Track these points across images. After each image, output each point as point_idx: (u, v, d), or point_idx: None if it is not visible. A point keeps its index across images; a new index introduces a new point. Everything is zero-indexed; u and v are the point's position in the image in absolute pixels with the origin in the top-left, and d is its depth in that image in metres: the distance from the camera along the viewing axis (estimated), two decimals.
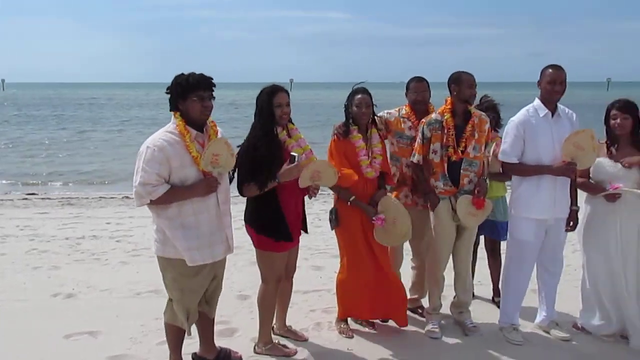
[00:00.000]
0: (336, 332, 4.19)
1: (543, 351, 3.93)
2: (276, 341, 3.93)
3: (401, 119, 4.28)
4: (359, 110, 3.93)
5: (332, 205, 4.09)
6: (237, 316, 4.47)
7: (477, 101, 4.62)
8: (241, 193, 3.60)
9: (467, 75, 3.97)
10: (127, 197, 10.74)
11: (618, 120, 3.92)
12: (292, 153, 3.51)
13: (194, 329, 3.55)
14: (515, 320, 4.19)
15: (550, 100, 3.91)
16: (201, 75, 3.14)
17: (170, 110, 3.22)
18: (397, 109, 4.35)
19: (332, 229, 4.04)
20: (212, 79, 3.19)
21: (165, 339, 3.95)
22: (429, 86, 4.27)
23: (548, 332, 4.20)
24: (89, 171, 15.29)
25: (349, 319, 4.26)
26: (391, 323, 4.27)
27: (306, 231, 3.91)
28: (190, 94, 3.11)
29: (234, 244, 3.45)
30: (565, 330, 4.19)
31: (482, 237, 4.75)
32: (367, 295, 4.03)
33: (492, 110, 4.53)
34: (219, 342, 3.85)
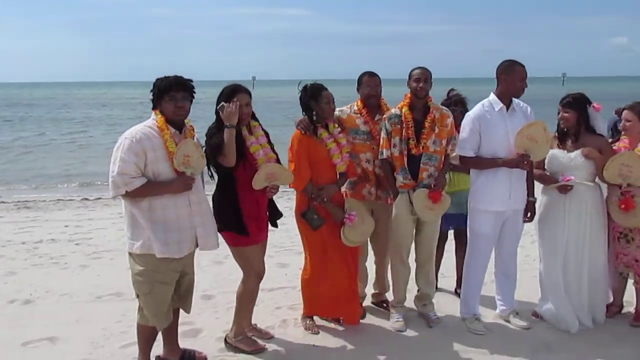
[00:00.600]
0: (302, 328, 4.20)
1: (503, 340, 4.03)
2: (250, 335, 3.94)
3: (354, 115, 4.29)
4: (328, 106, 3.94)
5: (295, 206, 4.09)
6: (201, 316, 4.43)
7: (444, 96, 4.71)
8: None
9: (416, 70, 4.04)
10: (86, 199, 10.49)
11: (560, 115, 4.08)
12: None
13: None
14: (477, 310, 4.29)
15: (518, 96, 4.02)
16: (175, 77, 3.30)
17: (152, 109, 3.37)
18: (349, 106, 4.36)
19: (314, 230, 3.97)
20: (190, 81, 3.34)
21: (128, 342, 3.90)
22: (380, 81, 4.31)
23: (508, 321, 4.30)
24: (47, 174, 14.85)
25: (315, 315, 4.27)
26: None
27: (275, 225, 3.91)
28: (164, 95, 3.28)
29: (211, 243, 3.48)
30: (525, 318, 4.29)
31: (450, 231, 4.84)
32: (331, 293, 4.05)
33: (460, 105, 4.61)
34: (183, 343, 3.81)
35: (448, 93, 4.72)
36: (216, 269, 5.64)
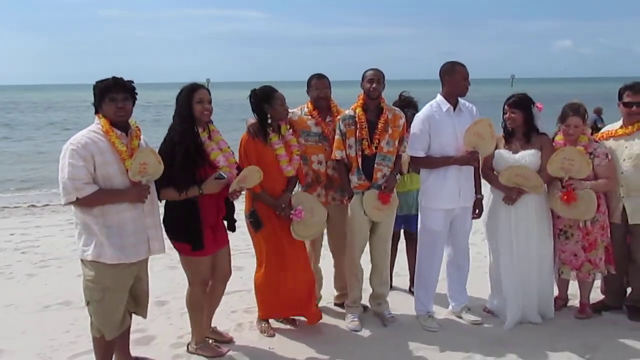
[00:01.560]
0: (257, 331, 4.17)
1: (456, 336, 4.10)
2: (210, 341, 3.90)
3: (305, 117, 4.30)
4: (282, 108, 3.93)
5: (245, 207, 4.06)
6: (154, 323, 4.34)
7: (395, 98, 4.76)
8: (158, 195, 3.51)
9: (369, 72, 4.09)
10: (33, 206, 10.13)
11: (507, 115, 4.19)
12: (221, 173, 3.53)
13: None
14: (430, 307, 4.37)
15: (462, 95, 4.12)
16: (114, 78, 3.22)
17: (95, 113, 3.29)
18: (299, 108, 4.36)
19: (256, 232, 3.99)
20: (130, 82, 3.27)
21: (77, 352, 3.78)
22: (329, 83, 4.32)
23: (461, 317, 4.39)
24: None
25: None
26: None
27: (233, 229, 3.86)
28: (104, 97, 3.21)
29: (160, 247, 3.42)
30: (477, 314, 4.40)
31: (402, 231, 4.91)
32: (284, 294, 4.04)
33: (411, 106, 4.68)
34: (136, 351, 3.73)
35: (400, 96, 4.79)
36: (170, 274, 5.53)
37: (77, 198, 3.08)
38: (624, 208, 4.24)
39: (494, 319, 4.38)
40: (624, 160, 4.20)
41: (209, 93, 3.65)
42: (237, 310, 4.60)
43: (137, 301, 3.49)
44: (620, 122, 4.36)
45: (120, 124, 3.24)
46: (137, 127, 3.36)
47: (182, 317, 4.42)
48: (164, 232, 3.52)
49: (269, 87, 3.99)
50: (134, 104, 3.31)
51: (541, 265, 4.24)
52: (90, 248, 3.18)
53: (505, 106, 4.22)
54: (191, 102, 3.53)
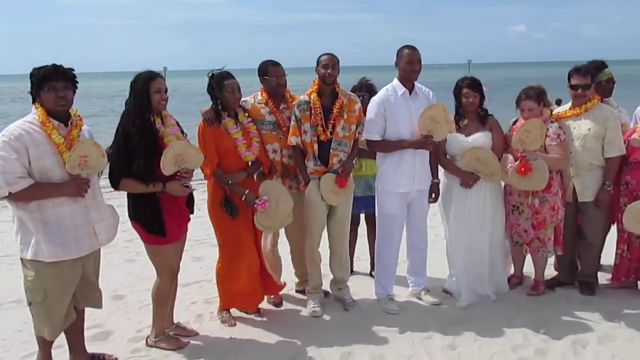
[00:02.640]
0: (218, 322, 4.13)
1: (416, 317, 4.17)
2: (171, 333, 3.84)
3: (259, 105, 4.24)
4: (231, 95, 3.86)
5: (208, 197, 4.00)
6: (111, 318, 4.24)
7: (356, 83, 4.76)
8: (116, 187, 3.44)
9: (323, 56, 4.06)
10: None
11: (467, 97, 4.23)
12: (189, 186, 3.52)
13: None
14: (391, 290, 4.42)
15: (409, 79, 4.13)
16: (54, 65, 3.07)
17: (33, 103, 3.14)
18: (252, 96, 4.29)
19: (234, 219, 3.90)
20: (70, 70, 3.11)
21: (30, 352, 3.67)
22: (284, 70, 4.26)
23: (421, 299, 4.46)
24: None
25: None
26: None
27: (192, 211, 3.80)
28: (43, 85, 3.04)
29: (110, 236, 3.34)
30: (436, 295, 4.47)
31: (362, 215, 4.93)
32: (249, 284, 4.01)
33: (368, 90, 4.67)
34: (93, 347, 3.64)
35: (359, 81, 4.80)
36: (128, 267, 5.42)
37: (9, 193, 2.94)
38: (574, 187, 4.38)
39: (452, 299, 4.46)
40: (573, 140, 4.32)
41: (165, 82, 3.59)
42: (197, 301, 4.54)
43: (85, 296, 3.35)
44: (569, 104, 4.48)
45: (60, 113, 3.10)
46: (78, 116, 3.22)
47: (140, 311, 4.35)
48: (129, 223, 3.50)
49: (224, 73, 3.92)
50: (74, 92, 3.16)
51: (494, 242, 4.35)
52: (27, 246, 3.04)
53: (465, 89, 4.24)
54: (149, 91, 3.45)
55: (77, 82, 3.17)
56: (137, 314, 4.30)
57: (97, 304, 3.46)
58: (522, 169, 4.15)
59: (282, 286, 4.37)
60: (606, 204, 4.37)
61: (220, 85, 3.85)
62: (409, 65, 4.08)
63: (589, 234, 4.47)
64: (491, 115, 4.33)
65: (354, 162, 4.28)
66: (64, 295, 3.17)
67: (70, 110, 3.16)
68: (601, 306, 4.25)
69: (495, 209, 4.34)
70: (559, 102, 4.73)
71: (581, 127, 4.32)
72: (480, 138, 4.21)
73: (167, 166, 3.39)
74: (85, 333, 3.59)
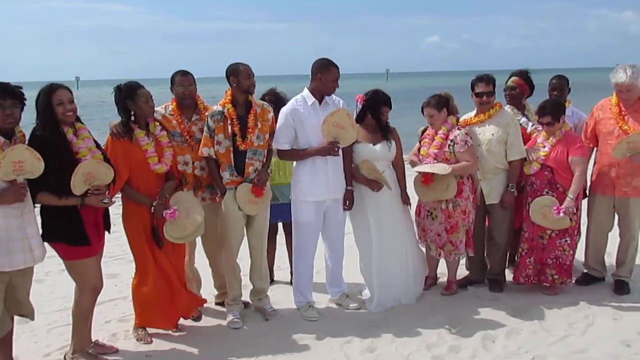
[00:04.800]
0: (134, 340, 3.99)
1: (336, 323, 4.22)
2: (90, 351, 3.71)
3: (169, 117, 4.17)
4: (146, 105, 3.77)
5: (122, 212, 3.88)
6: (17, 342, 3.90)
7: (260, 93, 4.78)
8: (33, 201, 3.32)
9: (244, 66, 4.05)
10: None
11: (383, 114, 4.36)
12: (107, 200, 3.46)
13: None
14: (310, 297, 4.45)
15: (329, 94, 4.22)
16: (1, 84, 3.14)
17: None
18: (163, 106, 4.21)
19: (160, 248, 3.86)
20: (18, 87, 3.19)
21: None
22: (194, 80, 4.22)
23: (340, 305, 4.52)
24: None
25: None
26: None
27: (109, 230, 3.72)
28: None
29: (41, 255, 3.31)
30: (355, 300, 4.55)
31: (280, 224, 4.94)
32: (166, 301, 3.91)
33: (278, 101, 4.69)
34: None
35: (269, 90, 4.82)
36: (36, 288, 5.06)
37: None
38: (481, 190, 4.62)
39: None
40: (479, 145, 4.56)
41: (70, 92, 3.47)
42: (111, 320, 4.36)
43: (22, 305, 3.37)
44: (474, 111, 4.72)
45: (6, 130, 3.13)
46: (21, 132, 3.24)
47: (49, 334, 4.13)
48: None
49: (134, 83, 3.82)
50: (22, 110, 3.18)
51: (406, 247, 4.48)
52: None
53: (385, 107, 4.36)
54: (51, 104, 3.36)
55: (25, 100, 3.19)
56: (45, 338, 4.07)
57: (31, 316, 3.48)
58: (424, 179, 4.37)
59: (204, 301, 4.28)
60: (511, 205, 4.63)
61: (133, 95, 3.75)
62: (334, 84, 4.16)
63: (496, 234, 4.73)
64: (394, 127, 4.50)
65: (269, 171, 4.29)
66: None
67: (14, 127, 3.17)
68: (509, 302, 4.49)
69: (403, 214, 4.50)
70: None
71: (486, 133, 4.57)
72: (385, 147, 4.36)
73: (77, 186, 3.33)
74: None
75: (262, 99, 4.54)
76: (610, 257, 4.86)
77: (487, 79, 4.57)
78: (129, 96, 3.75)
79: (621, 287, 4.63)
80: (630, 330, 3.97)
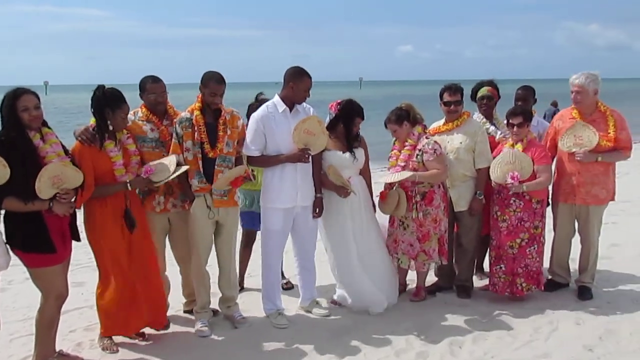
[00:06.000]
0: (99, 349, 3.92)
1: (306, 330, 4.22)
2: None
3: (140, 122, 4.12)
4: (123, 122, 3.75)
5: (84, 217, 3.80)
6: None
7: (250, 100, 4.77)
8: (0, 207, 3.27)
9: (215, 85, 3.98)
10: None
11: (356, 126, 4.43)
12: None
13: None
14: (279, 304, 4.44)
15: (299, 103, 4.23)
16: None
17: None
18: (132, 112, 4.15)
19: (131, 232, 3.78)
20: None
21: None
22: (165, 86, 4.17)
23: (310, 312, 4.52)
24: None
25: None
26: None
27: (78, 239, 3.66)
28: None
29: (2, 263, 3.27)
30: (325, 307, 4.56)
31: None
32: (130, 308, 3.84)
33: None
34: None
35: (257, 96, 4.82)
36: None
37: None
38: (450, 197, 4.68)
39: (341, 309, 4.57)
40: (447, 153, 4.62)
41: (37, 97, 3.42)
42: (77, 329, 4.27)
43: None
44: (443, 120, 4.79)
45: None
46: None
47: (11, 344, 4.03)
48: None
49: (119, 94, 3.72)
50: None
51: (376, 253, 4.52)
52: None
53: (359, 118, 4.43)
54: (15, 110, 3.31)
55: None
56: (7, 348, 3.97)
57: None
58: (380, 194, 4.51)
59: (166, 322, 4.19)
60: (479, 212, 4.71)
61: (115, 108, 3.67)
62: (305, 93, 4.19)
63: (464, 241, 4.80)
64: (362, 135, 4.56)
65: (251, 176, 4.27)
66: None
67: None
68: (476, 308, 4.56)
69: (371, 220, 4.55)
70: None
71: (454, 141, 4.65)
72: (350, 156, 4.40)
73: (43, 189, 3.27)
74: None
75: (253, 105, 4.53)
76: (575, 264, 4.97)
77: (454, 88, 4.65)
78: (110, 106, 3.67)
79: (584, 293, 4.74)
80: (592, 334, 4.07)
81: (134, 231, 3.77)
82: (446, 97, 4.64)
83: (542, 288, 4.74)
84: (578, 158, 4.48)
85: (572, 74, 4.62)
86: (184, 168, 3.87)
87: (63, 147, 3.56)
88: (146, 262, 3.92)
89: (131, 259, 3.83)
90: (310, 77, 4.21)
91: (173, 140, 4.03)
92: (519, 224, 4.55)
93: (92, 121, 3.77)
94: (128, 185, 3.71)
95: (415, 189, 4.47)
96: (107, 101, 3.68)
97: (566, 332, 4.13)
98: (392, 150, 4.64)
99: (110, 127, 3.69)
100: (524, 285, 4.61)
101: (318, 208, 4.37)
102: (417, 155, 4.46)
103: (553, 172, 4.76)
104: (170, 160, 3.88)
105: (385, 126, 4.57)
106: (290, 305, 4.60)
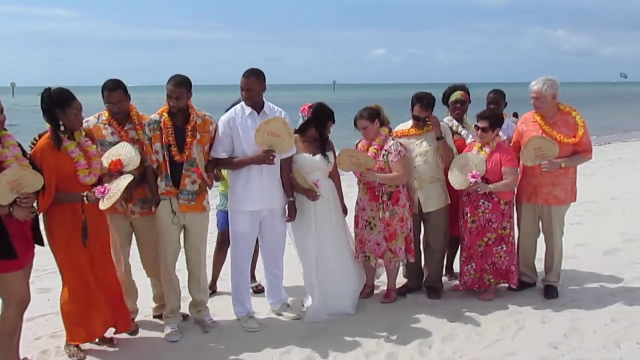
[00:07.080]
0: (66, 356, 3.85)
1: (276, 333, 4.21)
2: None
3: (101, 126, 4.08)
4: (76, 120, 3.66)
5: (45, 223, 3.72)
6: None
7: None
8: None
9: (171, 88, 3.94)
10: None
11: (327, 129, 4.46)
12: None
13: None
14: (250, 307, 4.42)
15: (246, 102, 4.20)
16: None
17: None
18: (95, 116, 4.12)
19: (84, 245, 3.69)
20: None
21: None
22: (126, 91, 4.09)
23: (281, 315, 4.52)
24: None
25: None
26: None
27: (42, 243, 3.59)
28: None
29: None
30: (296, 310, 4.54)
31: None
32: (91, 309, 3.78)
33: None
34: None
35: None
36: None
37: None
38: (419, 199, 4.73)
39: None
40: (416, 156, 4.68)
41: None
42: (42, 336, 4.18)
43: None
44: (410, 122, 4.83)
45: None
46: None
47: None
48: None
49: (67, 92, 3.67)
50: None
51: (344, 256, 4.56)
52: None
53: (331, 122, 4.45)
54: None
55: None
56: None
57: None
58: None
59: (132, 326, 4.13)
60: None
61: (64, 106, 3.60)
62: (242, 92, 4.17)
63: (432, 241, 4.86)
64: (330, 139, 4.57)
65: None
66: None
67: None
68: (445, 308, 4.61)
69: (340, 222, 4.58)
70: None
71: (422, 145, 4.70)
72: (321, 159, 4.41)
73: (2, 195, 3.21)
74: None
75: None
76: (541, 264, 5.07)
77: (426, 102, 4.59)
78: (60, 106, 3.61)
79: (550, 292, 4.84)
80: (557, 332, 4.15)
81: (88, 242, 3.70)
82: (416, 111, 4.61)
83: (516, 285, 4.81)
84: (544, 169, 4.57)
85: (541, 77, 4.73)
86: (129, 178, 3.70)
87: (22, 149, 3.49)
88: (103, 264, 3.85)
89: (91, 262, 3.76)
90: (243, 76, 4.14)
91: (145, 142, 4.01)
92: (486, 225, 4.64)
93: (47, 126, 3.68)
94: (85, 199, 3.62)
95: (381, 189, 4.52)
96: (55, 102, 3.60)
97: (532, 330, 4.21)
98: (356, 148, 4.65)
99: (62, 127, 3.61)
100: (492, 280, 4.71)
101: (290, 212, 4.36)
102: (384, 155, 4.50)
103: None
104: (125, 179, 3.71)
105: (355, 124, 4.59)
106: (262, 308, 4.59)
